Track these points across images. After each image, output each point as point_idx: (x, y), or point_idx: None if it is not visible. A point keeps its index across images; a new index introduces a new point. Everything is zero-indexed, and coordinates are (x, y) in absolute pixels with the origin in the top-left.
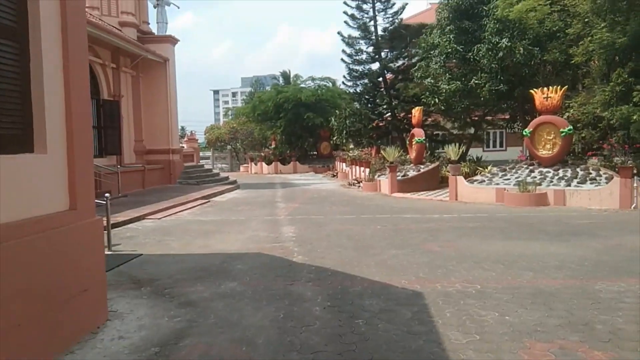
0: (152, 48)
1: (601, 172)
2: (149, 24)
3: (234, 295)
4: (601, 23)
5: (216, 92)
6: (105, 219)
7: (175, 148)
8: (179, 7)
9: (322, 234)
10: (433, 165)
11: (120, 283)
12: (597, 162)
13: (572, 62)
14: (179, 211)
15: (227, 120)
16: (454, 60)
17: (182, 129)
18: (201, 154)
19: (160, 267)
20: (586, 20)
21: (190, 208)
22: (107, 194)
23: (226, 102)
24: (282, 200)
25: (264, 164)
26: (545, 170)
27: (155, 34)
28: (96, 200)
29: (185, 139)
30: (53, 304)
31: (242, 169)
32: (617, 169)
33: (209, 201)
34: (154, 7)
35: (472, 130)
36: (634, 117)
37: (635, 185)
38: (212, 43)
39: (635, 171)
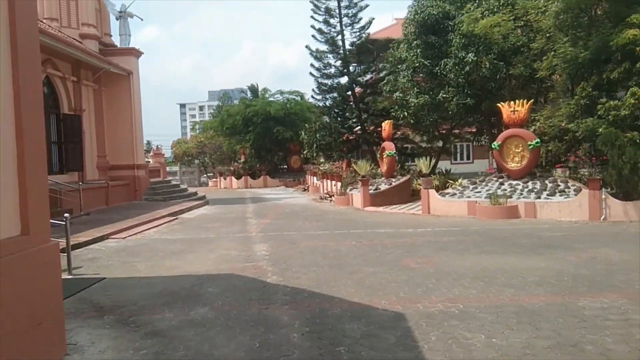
0: (114, 60)
1: (569, 184)
2: (111, 36)
3: (204, 323)
4: (564, 38)
5: (183, 105)
6: (64, 240)
7: (141, 163)
8: (142, 19)
9: (295, 252)
10: (404, 178)
11: (81, 311)
12: (563, 173)
13: (537, 76)
14: (145, 230)
15: (194, 134)
16: (422, 75)
17: (148, 143)
18: (168, 169)
19: (124, 292)
20: (549, 35)
21: (157, 226)
22: (66, 214)
23: (193, 116)
24: (253, 216)
25: (233, 178)
26: (515, 182)
27: (118, 46)
28: (55, 221)
29: (151, 153)
30: (2, 341)
31: (211, 183)
32: (584, 181)
33: (176, 218)
34: (117, 19)
35: (440, 144)
36: (599, 130)
37: (603, 196)
38: (178, 57)
39: (602, 183)
